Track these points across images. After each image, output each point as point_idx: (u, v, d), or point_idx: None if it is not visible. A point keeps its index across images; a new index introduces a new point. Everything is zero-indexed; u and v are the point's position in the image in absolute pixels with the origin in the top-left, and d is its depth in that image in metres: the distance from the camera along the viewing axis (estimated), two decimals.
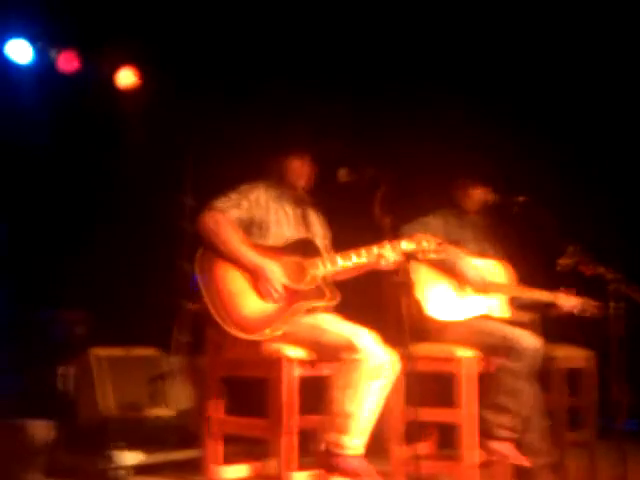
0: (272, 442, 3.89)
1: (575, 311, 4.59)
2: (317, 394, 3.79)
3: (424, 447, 4.39)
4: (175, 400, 5.16)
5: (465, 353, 4.20)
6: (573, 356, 4.90)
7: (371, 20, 5.71)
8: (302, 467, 3.74)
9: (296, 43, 5.81)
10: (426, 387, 4.14)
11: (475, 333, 4.30)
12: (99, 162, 5.94)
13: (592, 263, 4.41)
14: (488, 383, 4.26)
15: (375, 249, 3.92)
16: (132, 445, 4.61)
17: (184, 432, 4.92)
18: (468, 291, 4.41)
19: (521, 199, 4.48)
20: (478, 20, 5.65)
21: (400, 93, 5.55)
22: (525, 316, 4.76)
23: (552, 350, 4.70)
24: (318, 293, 3.88)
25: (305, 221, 4.15)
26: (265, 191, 4.07)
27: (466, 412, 4.14)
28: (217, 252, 3.82)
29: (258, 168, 4.18)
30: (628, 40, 5.62)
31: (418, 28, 5.71)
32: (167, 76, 5.93)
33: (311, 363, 3.83)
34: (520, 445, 4.24)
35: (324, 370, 3.83)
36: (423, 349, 4.20)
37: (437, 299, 4.35)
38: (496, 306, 4.45)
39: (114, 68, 6.02)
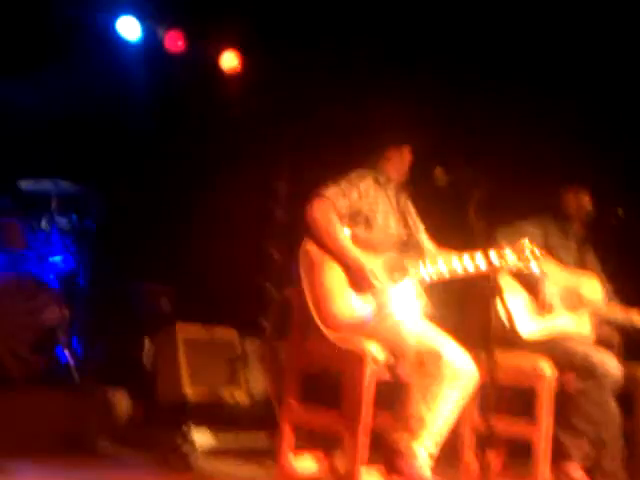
0: (345, 436, 3.89)
1: None
2: (386, 392, 3.77)
3: (494, 460, 4.31)
4: (252, 384, 5.21)
5: (550, 369, 4.12)
6: None
7: (478, 19, 5.61)
8: (369, 462, 3.72)
9: (403, 31, 5.73)
10: (502, 396, 4.07)
11: (557, 351, 4.18)
12: (197, 143, 6.03)
13: None
14: (565, 404, 4.17)
15: (478, 255, 3.79)
16: (207, 425, 4.67)
17: (257, 416, 4.97)
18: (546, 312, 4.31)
19: (620, 212, 4.35)
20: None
21: (505, 94, 5.43)
22: (607, 334, 4.63)
23: (636, 370, 4.57)
24: (415, 295, 3.81)
25: (408, 215, 4.09)
26: (374, 182, 3.99)
27: (544, 429, 4.06)
28: (322, 244, 3.77)
29: (357, 158, 4.13)
30: None
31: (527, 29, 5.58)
32: (269, 61, 5.96)
33: (392, 367, 3.77)
34: (592, 470, 4.15)
35: (403, 375, 3.78)
36: (507, 358, 4.11)
37: (519, 311, 4.25)
38: (579, 323, 4.32)
39: (218, 50, 6.09)
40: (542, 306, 4.25)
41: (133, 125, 5.96)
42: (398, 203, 4.08)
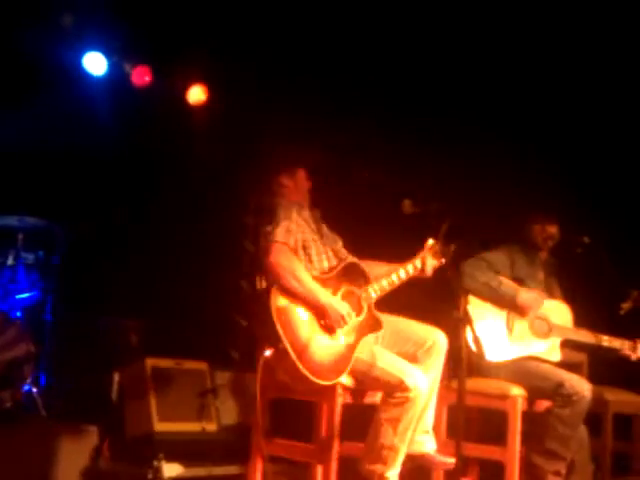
0: (316, 466, 3.91)
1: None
2: (350, 420, 3.81)
3: None
4: (223, 416, 5.20)
5: (519, 392, 4.18)
6: (625, 401, 4.84)
7: (434, 53, 5.73)
8: None
9: (370, 65, 5.82)
10: (472, 422, 4.13)
11: (527, 374, 4.27)
12: (165, 176, 6.04)
13: None
14: (535, 426, 4.23)
15: (410, 267, 3.97)
16: (176, 457, 4.65)
17: (228, 448, 4.95)
18: (519, 333, 4.38)
19: (586, 240, 4.43)
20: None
21: (472, 127, 5.54)
22: (575, 357, 4.71)
23: (603, 393, 4.65)
24: (375, 323, 3.86)
25: (325, 232, 4.11)
26: (297, 211, 3.97)
27: (515, 450, 4.12)
28: (291, 291, 3.70)
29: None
30: None
31: (485, 63, 5.71)
32: (235, 94, 6.01)
33: (358, 392, 3.85)
34: None
35: (369, 399, 3.88)
36: (477, 384, 4.18)
37: (489, 337, 4.32)
38: (549, 349, 4.40)
39: (185, 85, 6.14)
40: (520, 314, 4.33)
41: (99, 159, 5.96)
42: (318, 231, 4.07)
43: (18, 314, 5.35)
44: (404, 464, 3.75)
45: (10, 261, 5.41)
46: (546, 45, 5.49)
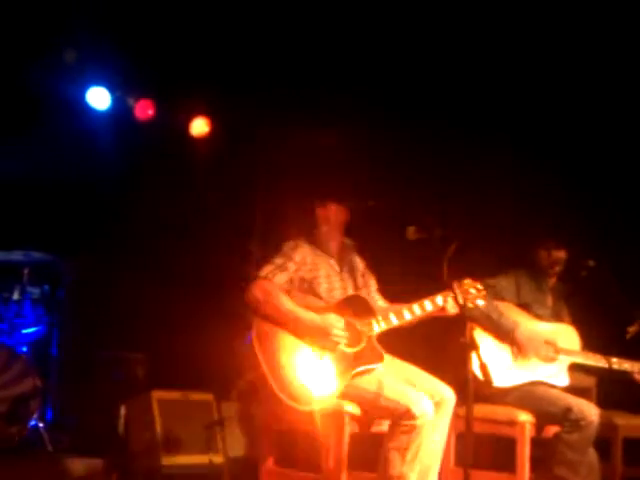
0: None
1: None
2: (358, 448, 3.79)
3: None
4: (229, 447, 5.17)
5: (527, 418, 4.16)
6: (635, 425, 4.80)
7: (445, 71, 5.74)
8: None
9: (375, 88, 5.84)
10: (478, 449, 4.10)
11: (534, 399, 4.24)
12: (168, 208, 6.06)
13: None
14: (544, 452, 4.20)
15: (427, 303, 3.91)
16: None
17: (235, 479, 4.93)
18: (525, 358, 4.36)
19: (591, 263, 4.40)
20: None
21: (477, 153, 5.54)
22: (584, 381, 4.68)
23: (613, 417, 4.62)
24: (374, 355, 3.83)
25: (357, 274, 4.12)
26: (309, 248, 4.01)
27: (523, 477, 4.09)
28: (270, 320, 3.76)
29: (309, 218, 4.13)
30: None
31: (496, 80, 5.71)
32: (239, 126, 6.05)
33: (365, 421, 3.83)
34: None
35: (375, 428, 3.86)
36: (484, 410, 4.16)
37: (494, 363, 4.29)
38: (556, 373, 4.38)
39: (188, 117, 6.18)
40: (518, 351, 4.30)
41: (103, 192, 5.99)
42: (342, 266, 4.09)
43: (24, 349, 5.36)
44: None
45: (16, 296, 5.42)
46: (564, 60, 5.47)
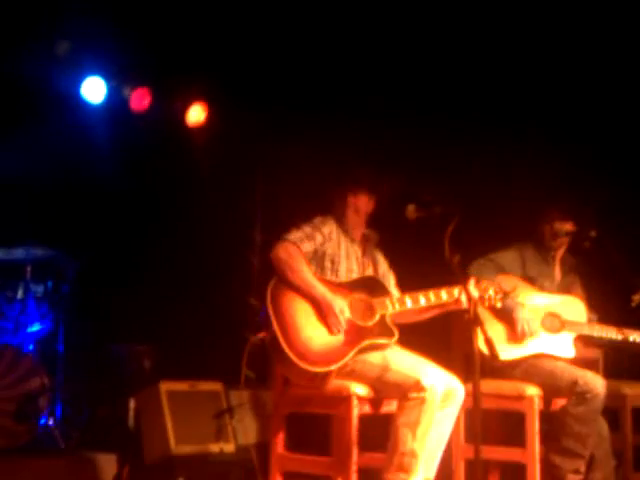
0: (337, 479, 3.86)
1: None
2: (370, 431, 3.79)
3: None
4: (240, 435, 5.16)
5: (535, 391, 4.14)
6: None
7: (438, 52, 5.71)
8: None
9: (361, 77, 5.82)
10: (487, 425, 4.08)
11: (541, 373, 4.22)
12: (169, 198, 6.05)
13: None
14: (552, 425, 4.18)
15: (443, 293, 3.91)
16: None
17: (248, 467, 4.92)
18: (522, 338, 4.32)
19: (593, 233, 4.36)
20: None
21: (480, 126, 5.51)
22: (591, 352, 4.66)
23: (621, 387, 4.60)
24: (385, 330, 3.86)
25: (372, 259, 4.16)
26: (337, 226, 4.09)
27: (535, 450, 4.08)
28: (288, 283, 3.82)
29: (325, 203, 4.19)
30: None
31: (487, 61, 5.68)
32: (236, 112, 6.01)
33: (375, 401, 3.83)
34: None
35: (385, 408, 3.85)
36: (492, 386, 4.14)
37: (499, 336, 4.26)
38: (562, 345, 4.34)
39: (184, 105, 6.14)
40: (521, 335, 4.27)
41: (102, 185, 5.97)
42: (364, 253, 4.14)
43: (30, 347, 5.35)
44: None
45: (20, 294, 5.42)
46: (562, 45, 5.45)
